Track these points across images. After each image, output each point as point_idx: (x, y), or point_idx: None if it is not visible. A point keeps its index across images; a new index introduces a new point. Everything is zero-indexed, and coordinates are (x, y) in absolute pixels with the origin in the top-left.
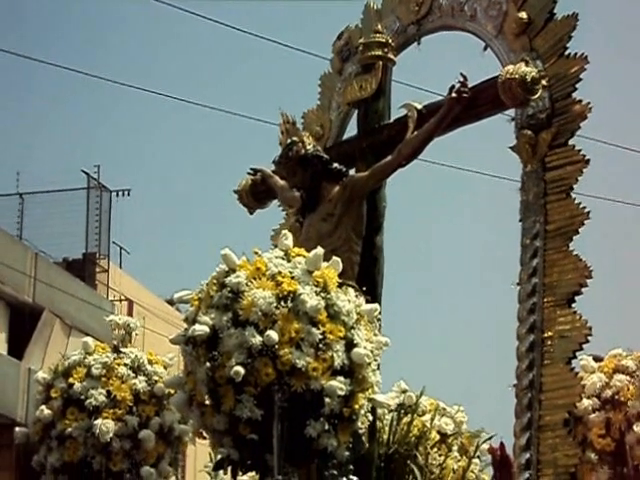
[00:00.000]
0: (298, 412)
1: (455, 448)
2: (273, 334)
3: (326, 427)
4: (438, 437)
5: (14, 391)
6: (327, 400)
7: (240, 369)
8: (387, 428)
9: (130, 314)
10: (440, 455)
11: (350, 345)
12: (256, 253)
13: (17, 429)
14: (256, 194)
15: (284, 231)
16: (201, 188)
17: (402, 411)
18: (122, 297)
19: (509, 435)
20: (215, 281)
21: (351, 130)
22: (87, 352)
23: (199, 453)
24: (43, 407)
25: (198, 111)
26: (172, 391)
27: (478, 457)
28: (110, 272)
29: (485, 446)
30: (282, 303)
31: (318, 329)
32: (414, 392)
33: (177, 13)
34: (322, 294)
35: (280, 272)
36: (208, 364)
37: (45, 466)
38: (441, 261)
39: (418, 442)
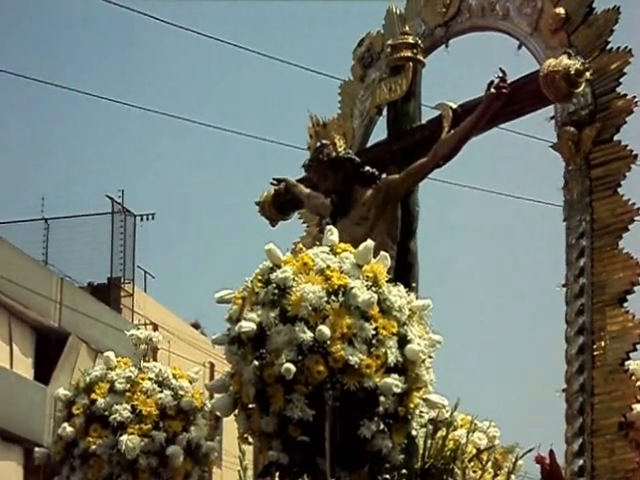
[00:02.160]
0: (350, 412)
1: (489, 464)
2: (325, 329)
3: (381, 427)
4: (474, 451)
5: (40, 416)
6: (381, 399)
7: (291, 366)
8: (422, 443)
9: None
10: (475, 471)
11: (403, 341)
12: (300, 250)
13: (37, 449)
14: (279, 205)
15: (328, 227)
16: (225, 211)
17: (436, 425)
18: (147, 321)
19: (546, 445)
20: (260, 277)
21: (375, 138)
22: (109, 367)
23: (225, 474)
24: (65, 425)
25: (221, 135)
26: (199, 405)
27: (512, 472)
28: (135, 296)
29: (520, 462)
30: (332, 298)
31: (370, 324)
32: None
33: (201, 39)
34: (373, 288)
35: (329, 266)
36: (256, 363)
37: None
38: (479, 266)
39: (454, 457)
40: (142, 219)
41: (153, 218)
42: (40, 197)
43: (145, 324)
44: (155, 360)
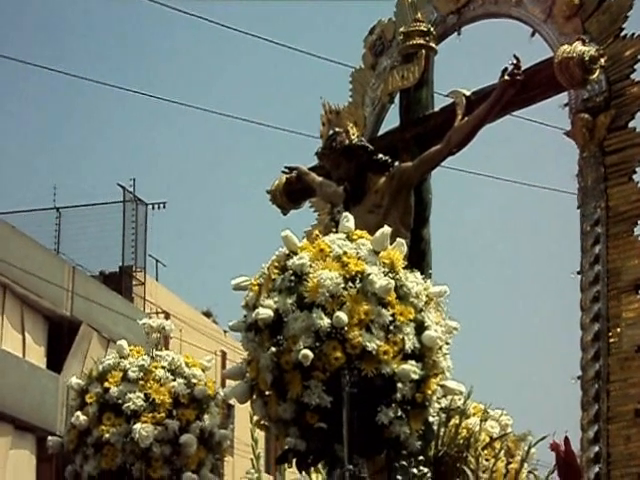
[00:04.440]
0: (368, 398)
1: (502, 452)
2: (343, 315)
3: (398, 413)
4: (487, 439)
5: (53, 404)
6: (399, 385)
7: (309, 352)
8: (435, 430)
9: None
10: (487, 459)
11: (420, 328)
12: (317, 236)
13: (50, 438)
14: (290, 194)
15: (345, 214)
16: (236, 200)
17: (449, 413)
18: (158, 309)
19: (561, 433)
20: (276, 264)
21: (387, 126)
22: (122, 356)
23: (237, 463)
24: (78, 413)
25: (233, 123)
26: (212, 393)
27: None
28: (146, 285)
29: (533, 449)
30: (350, 284)
31: (388, 310)
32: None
33: (215, 27)
34: (390, 275)
35: (345, 252)
36: (273, 349)
37: (81, 475)
38: (494, 252)
39: (468, 445)
40: (153, 208)
41: (164, 207)
42: (52, 186)
43: (157, 312)
44: (167, 349)
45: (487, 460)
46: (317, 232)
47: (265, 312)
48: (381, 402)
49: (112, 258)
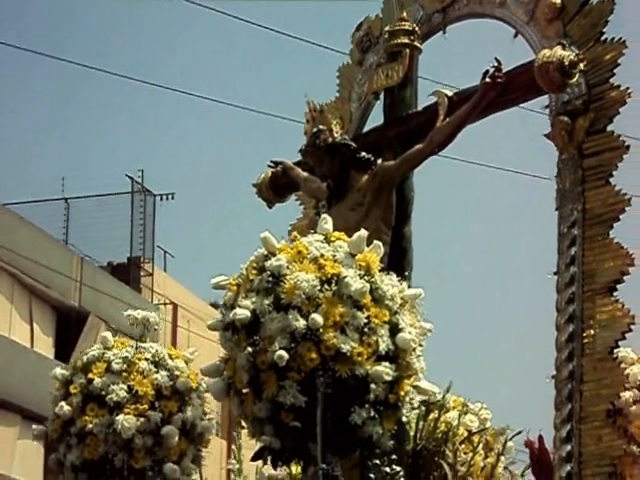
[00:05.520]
0: (342, 399)
1: (480, 445)
2: (318, 317)
3: (371, 414)
4: (466, 434)
5: None
6: (372, 386)
7: (284, 353)
8: (414, 425)
9: (175, 317)
10: (466, 453)
11: (395, 330)
12: (295, 238)
13: (34, 427)
14: (276, 187)
15: (323, 215)
16: (244, 191)
17: (428, 407)
18: (167, 301)
19: (534, 432)
20: (255, 265)
21: (372, 122)
22: (106, 347)
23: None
24: (62, 403)
25: (241, 114)
26: (194, 386)
27: (502, 454)
28: (155, 276)
29: (511, 443)
30: (326, 286)
31: (362, 313)
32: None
33: (228, 19)
34: (366, 277)
35: (322, 255)
36: (249, 349)
37: (64, 464)
38: (473, 251)
39: (446, 439)
40: (162, 199)
41: (173, 198)
42: (60, 177)
43: (165, 303)
44: (175, 339)
45: (466, 454)
46: (295, 233)
47: (242, 312)
48: (354, 402)
49: (120, 249)
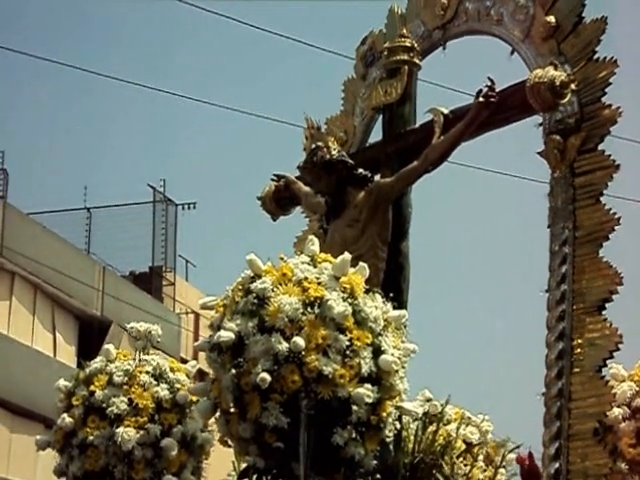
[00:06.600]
0: (325, 420)
1: (480, 458)
2: (300, 340)
3: (353, 435)
4: (464, 446)
5: None
6: (354, 408)
7: (266, 376)
8: (412, 437)
9: (197, 326)
10: (466, 465)
11: (377, 352)
12: (282, 259)
13: (38, 437)
14: (279, 200)
15: (310, 236)
16: None
17: (427, 420)
18: (188, 310)
19: (537, 445)
20: (240, 287)
21: (375, 136)
22: (108, 360)
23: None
24: (64, 415)
25: (262, 123)
26: (194, 399)
27: (504, 467)
28: (176, 285)
29: (512, 456)
30: (309, 309)
31: (345, 336)
32: (439, 401)
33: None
34: (349, 300)
35: (306, 278)
36: (233, 371)
37: (67, 474)
38: (468, 268)
39: (444, 451)
40: (184, 208)
41: (194, 207)
42: (83, 187)
43: (186, 312)
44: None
45: (466, 466)
46: (282, 255)
47: (227, 335)
48: (337, 424)
49: (142, 258)
